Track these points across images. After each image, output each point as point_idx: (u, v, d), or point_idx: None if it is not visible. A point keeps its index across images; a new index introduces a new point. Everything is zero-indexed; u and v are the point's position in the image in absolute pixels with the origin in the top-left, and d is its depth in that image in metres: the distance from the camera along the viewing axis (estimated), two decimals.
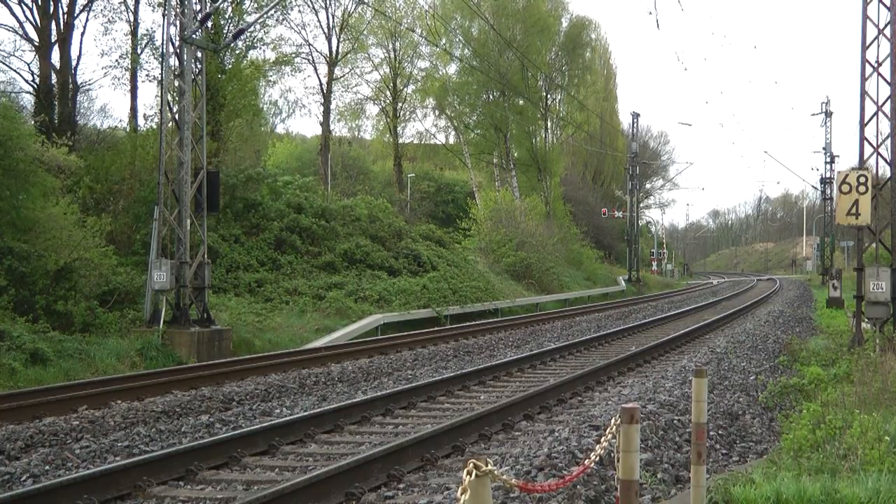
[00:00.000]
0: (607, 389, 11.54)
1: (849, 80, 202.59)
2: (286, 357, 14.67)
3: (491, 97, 48.11)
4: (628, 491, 3.78)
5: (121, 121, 34.54)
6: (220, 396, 10.95)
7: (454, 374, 12.14)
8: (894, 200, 15.09)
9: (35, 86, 24.11)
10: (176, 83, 16.76)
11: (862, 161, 14.92)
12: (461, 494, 2.88)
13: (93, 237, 17.39)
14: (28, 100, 25.38)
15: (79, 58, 33.30)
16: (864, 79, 14.79)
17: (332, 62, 40.42)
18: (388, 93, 47.55)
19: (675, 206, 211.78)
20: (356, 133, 54.39)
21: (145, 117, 28.61)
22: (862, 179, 13.86)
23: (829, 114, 51.10)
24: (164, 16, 17.04)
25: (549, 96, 53.11)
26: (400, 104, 48.08)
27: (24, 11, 23.75)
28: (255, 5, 26.37)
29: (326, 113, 41.41)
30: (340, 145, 50.82)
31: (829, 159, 51.01)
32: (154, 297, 16.08)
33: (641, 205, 67.97)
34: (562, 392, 10.74)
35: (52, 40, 23.75)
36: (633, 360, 14.19)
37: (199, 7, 16.64)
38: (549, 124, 52.55)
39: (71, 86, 24.14)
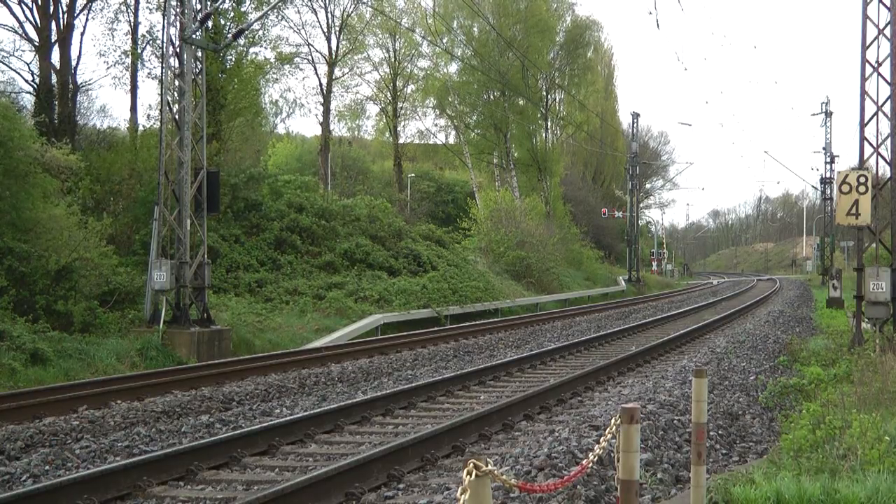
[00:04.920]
0: (607, 389, 11.54)
1: (849, 80, 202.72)
2: (286, 357, 14.67)
3: (491, 97, 48.09)
4: (628, 491, 3.78)
5: (124, 120, 34.57)
6: (220, 396, 10.95)
7: (454, 374, 12.14)
8: (894, 200, 15.09)
9: (35, 86, 24.12)
10: (176, 83, 16.76)
11: (862, 161, 14.92)
12: (461, 494, 2.88)
13: (93, 237, 17.39)
14: (28, 100, 25.42)
15: (79, 58, 33.26)
16: (864, 79, 14.79)
17: (331, 62, 40.40)
18: (388, 93, 47.54)
19: (675, 206, 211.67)
20: (356, 133, 54.40)
21: (148, 117, 28.66)
22: (862, 179, 13.85)
23: (829, 114, 51.11)
24: (164, 16, 17.05)
25: (549, 96, 53.10)
26: (400, 104, 48.07)
27: (24, 11, 23.78)
28: (255, 4, 26.39)
29: (326, 113, 41.42)
30: (340, 145, 50.80)
31: (829, 159, 51.01)
32: (154, 297, 16.09)
33: (641, 205, 67.99)
34: (562, 392, 10.74)
35: (52, 40, 23.76)
36: (633, 360, 14.19)
37: (199, 7, 16.64)
38: (549, 124, 52.53)
39: (71, 86, 24.15)
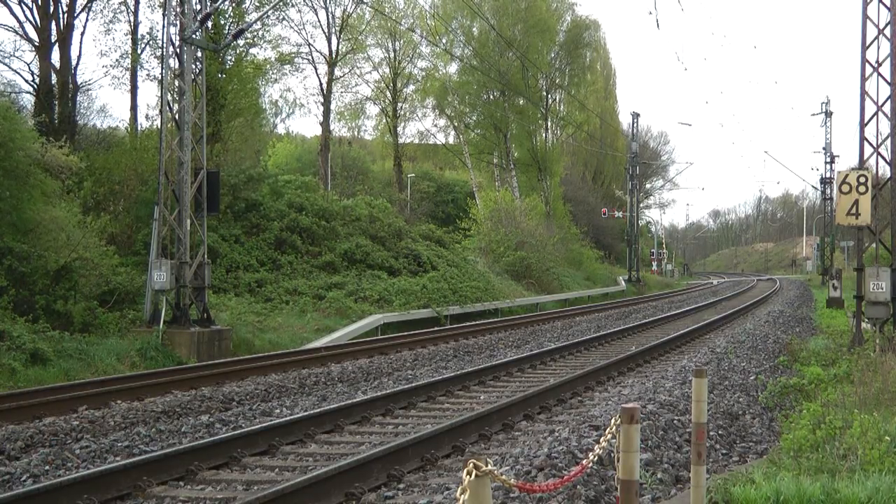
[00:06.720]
0: (607, 389, 11.54)
1: (849, 80, 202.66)
2: (286, 357, 14.67)
3: (491, 97, 48.11)
4: (628, 491, 3.78)
5: (122, 121, 34.59)
6: (220, 396, 10.95)
7: (454, 374, 12.13)
8: (894, 200, 15.09)
9: (35, 86, 24.13)
10: (176, 83, 16.76)
11: (862, 161, 14.92)
12: (461, 494, 2.88)
13: (93, 237, 17.39)
14: (28, 100, 25.44)
15: (79, 58, 33.38)
16: (864, 79, 14.79)
17: (331, 62, 40.41)
18: (388, 93, 47.55)
19: (675, 206, 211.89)
20: (356, 133, 54.44)
21: (147, 117, 28.69)
22: (862, 179, 13.85)
23: (829, 114, 51.11)
24: (164, 16, 17.05)
25: (549, 96, 53.12)
26: (400, 104, 48.08)
27: (24, 11, 23.80)
28: (256, 4, 26.41)
29: (326, 113, 41.41)
30: (340, 145, 50.82)
31: (829, 159, 51.02)
32: (154, 297, 16.08)
33: (641, 205, 67.95)
34: (562, 392, 10.74)
35: (52, 40, 23.77)
36: (633, 360, 14.19)
37: (199, 7, 16.64)
38: (549, 124, 52.54)
39: (71, 86, 24.16)
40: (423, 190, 49.49)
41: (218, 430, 8.77)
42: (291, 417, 8.78)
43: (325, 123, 41.42)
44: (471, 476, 2.94)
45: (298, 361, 14.25)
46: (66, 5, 24.11)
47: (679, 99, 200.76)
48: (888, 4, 14.52)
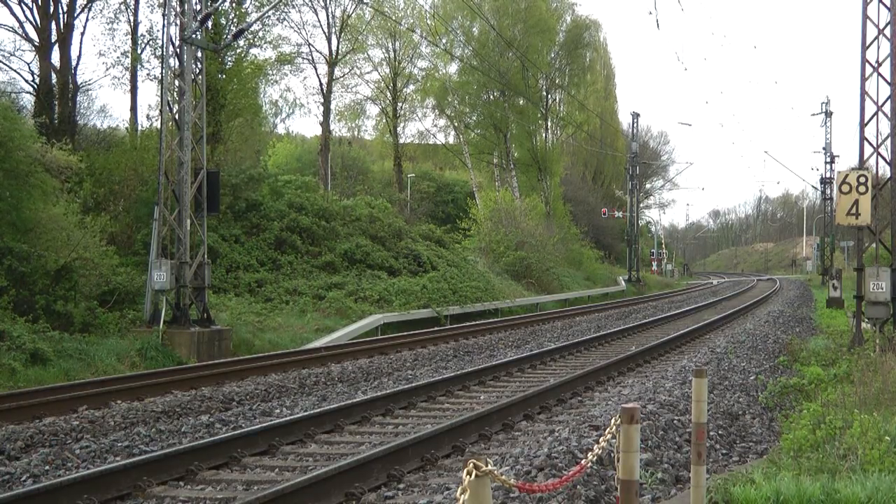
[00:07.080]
0: (607, 389, 11.54)
1: (849, 80, 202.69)
2: (286, 357, 14.67)
3: (491, 97, 48.12)
4: (628, 491, 3.78)
5: (122, 121, 34.61)
6: (220, 396, 10.95)
7: (454, 374, 12.13)
8: (894, 200, 15.09)
9: (35, 86, 24.13)
10: (176, 83, 16.76)
11: (862, 161, 14.92)
12: (461, 494, 2.88)
13: (93, 237, 17.39)
14: (28, 100, 25.43)
15: (79, 58, 33.34)
16: (864, 79, 14.79)
17: (331, 62, 40.41)
18: (388, 93, 47.55)
19: (675, 206, 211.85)
20: (356, 133, 54.42)
21: (147, 117, 28.69)
22: (862, 179, 13.85)
23: (829, 114, 51.11)
24: (164, 16, 17.05)
25: (549, 96, 53.13)
26: (400, 104, 48.08)
27: (24, 11, 23.79)
28: (256, 4, 26.42)
29: (326, 113, 41.40)
30: (340, 145, 50.81)
31: (829, 159, 51.02)
32: (154, 297, 16.09)
33: (641, 205, 67.96)
34: (562, 392, 10.74)
35: (52, 40, 23.77)
36: (633, 360, 14.19)
37: (199, 7, 16.64)
38: (549, 124, 52.55)
39: (71, 86, 24.15)
40: (423, 190, 49.49)
41: (218, 430, 8.77)
42: (291, 417, 8.78)
43: (325, 123, 41.42)
44: (471, 476, 2.94)
45: (298, 361, 14.25)
46: (66, 5, 24.12)
47: (679, 99, 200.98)
48: (888, 4, 14.52)
